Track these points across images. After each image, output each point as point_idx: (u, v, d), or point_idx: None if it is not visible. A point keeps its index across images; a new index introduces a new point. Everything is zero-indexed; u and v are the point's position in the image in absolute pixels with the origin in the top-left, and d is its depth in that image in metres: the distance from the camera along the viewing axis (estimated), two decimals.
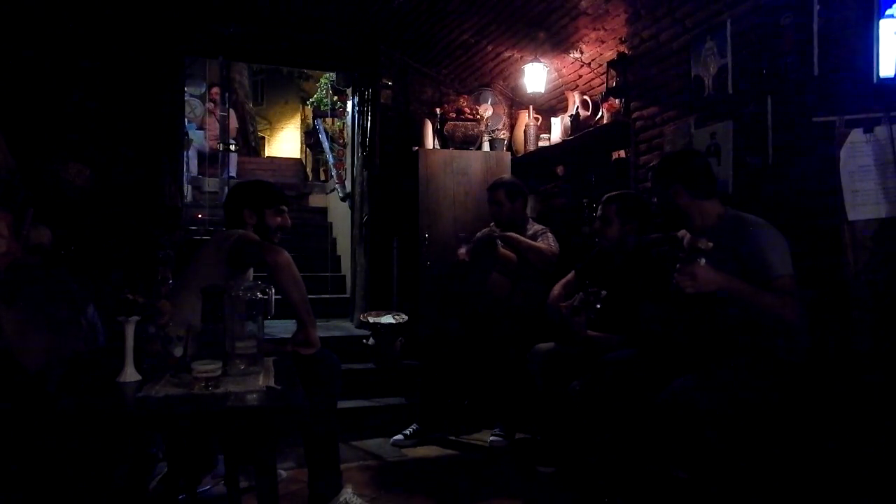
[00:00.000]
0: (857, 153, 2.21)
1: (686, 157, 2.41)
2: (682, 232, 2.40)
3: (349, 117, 5.62)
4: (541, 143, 4.37)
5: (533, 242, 3.34)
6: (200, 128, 7.64)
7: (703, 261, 1.90)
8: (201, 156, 7.51)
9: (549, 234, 3.44)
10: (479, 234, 3.70)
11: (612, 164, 3.88)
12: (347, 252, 5.56)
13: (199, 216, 6.06)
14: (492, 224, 3.59)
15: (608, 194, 2.90)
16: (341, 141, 7.43)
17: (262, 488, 1.64)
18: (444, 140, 4.48)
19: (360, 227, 4.85)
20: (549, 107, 4.55)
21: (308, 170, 10.67)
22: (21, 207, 2.08)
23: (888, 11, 2.11)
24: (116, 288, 1.78)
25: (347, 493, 2.38)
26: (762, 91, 2.60)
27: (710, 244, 1.90)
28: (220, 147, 6.96)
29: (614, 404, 2.30)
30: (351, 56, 4.61)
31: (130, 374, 1.73)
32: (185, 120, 5.08)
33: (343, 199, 5.79)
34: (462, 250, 3.50)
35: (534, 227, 3.49)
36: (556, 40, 3.89)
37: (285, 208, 2.58)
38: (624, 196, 2.86)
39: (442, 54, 4.53)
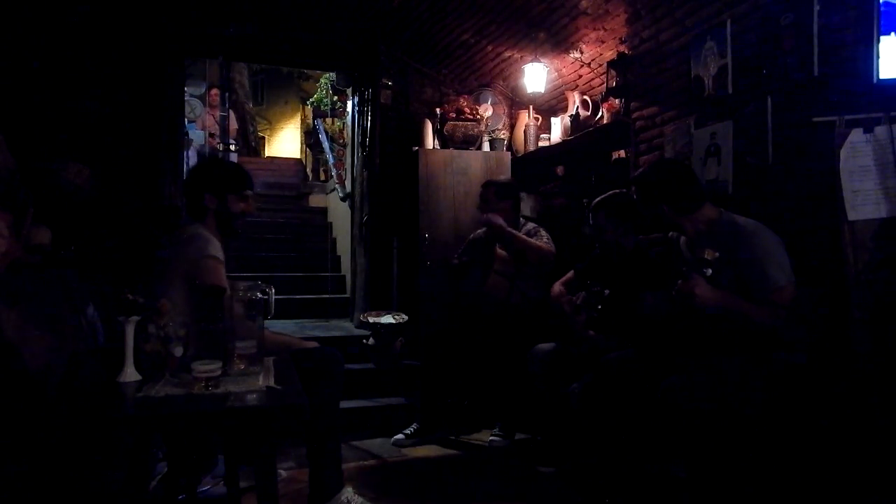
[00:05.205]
0: (857, 153, 2.21)
1: (665, 176, 2.29)
2: (673, 234, 2.40)
3: (349, 117, 5.62)
4: (541, 143, 4.37)
5: (532, 241, 3.32)
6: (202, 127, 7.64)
7: (709, 271, 1.90)
8: (201, 156, 7.50)
9: (543, 232, 3.41)
10: (472, 236, 3.69)
11: (612, 164, 3.88)
12: (347, 252, 5.55)
13: None
14: (482, 229, 3.57)
15: (595, 200, 2.84)
16: (341, 141, 7.43)
17: (262, 488, 1.65)
18: (444, 140, 4.48)
19: (360, 227, 4.85)
20: (549, 107, 4.55)
21: (308, 170, 10.66)
22: (21, 207, 2.08)
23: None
24: (116, 288, 1.78)
25: (348, 492, 2.38)
26: (762, 91, 2.60)
27: (717, 254, 1.90)
28: (220, 147, 6.95)
29: (614, 405, 2.30)
30: (351, 56, 4.60)
31: (130, 374, 1.73)
32: (185, 120, 5.07)
33: (343, 199, 5.78)
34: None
35: (526, 227, 3.45)
36: (556, 40, 3.89)
37: (250, 193, 2.34)
38: (610, 200, 2.79)
39: (442, 54, 4.53)
